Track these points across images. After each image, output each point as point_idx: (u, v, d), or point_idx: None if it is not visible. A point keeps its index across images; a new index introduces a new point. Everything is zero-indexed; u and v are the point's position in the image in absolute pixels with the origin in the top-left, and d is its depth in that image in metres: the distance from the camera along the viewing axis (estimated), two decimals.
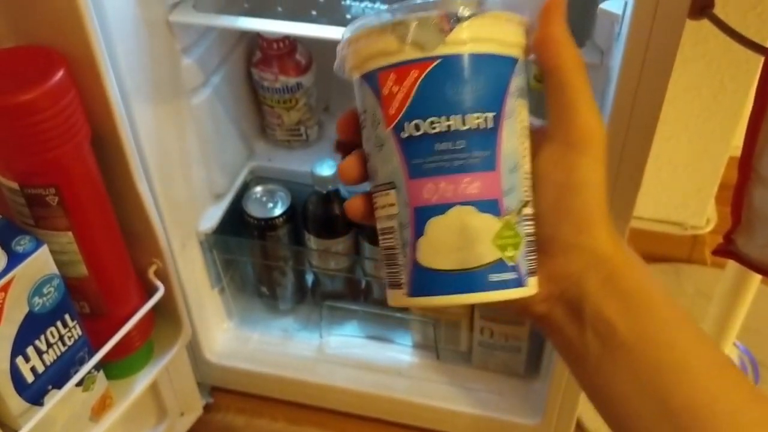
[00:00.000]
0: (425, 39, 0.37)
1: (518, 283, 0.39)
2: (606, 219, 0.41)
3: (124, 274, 0.71)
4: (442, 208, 0.38)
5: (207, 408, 1.07)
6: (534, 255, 0.41)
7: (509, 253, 0.39)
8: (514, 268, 0.39)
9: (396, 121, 0.38)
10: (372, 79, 0.39)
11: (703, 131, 1.14)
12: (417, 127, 0.38)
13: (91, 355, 0.67)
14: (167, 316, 0.79)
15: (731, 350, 1.09)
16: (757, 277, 0.94)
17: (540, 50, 0.40)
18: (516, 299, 0.40)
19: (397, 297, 0.41)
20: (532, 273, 0.40)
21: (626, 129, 0.68)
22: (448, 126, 0.38)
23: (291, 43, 0.97)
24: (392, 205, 0.40)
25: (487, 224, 0.39)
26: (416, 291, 0.40)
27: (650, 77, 0.64)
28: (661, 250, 1.27)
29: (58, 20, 0.58)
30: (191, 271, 0.96)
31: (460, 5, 0.38)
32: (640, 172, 0.70)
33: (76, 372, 0.66)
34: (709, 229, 1.28)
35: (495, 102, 0.39)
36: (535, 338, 0.97)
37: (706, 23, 0.69)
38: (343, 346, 1.08)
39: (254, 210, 0.99)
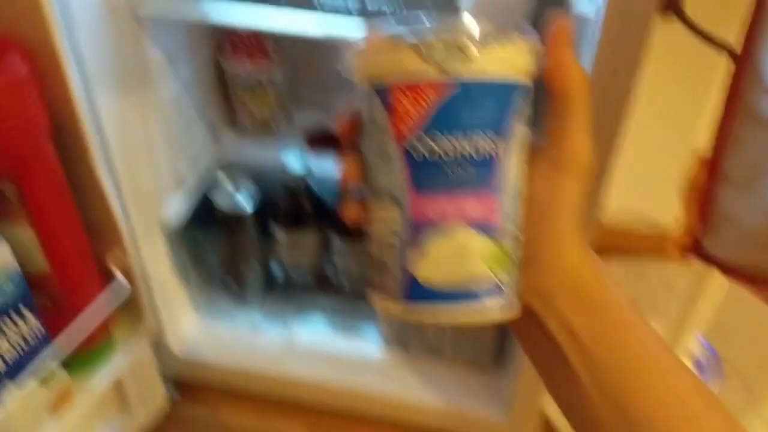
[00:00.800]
0: (446, 60, 0.37)
1: (506, 305, 0.40)
2: (580, 238, 0.42)
3: (85, 268, 0.69)
4: (444, 227, 0.39)
5: (172, 402, 1.06)
6: (517, 276, 0.42)
7: (501, 275, 0.40)
8: (503, 290, 0.40)
9: (407, 138, 0.38)
10: (385, 92, 0.39)
11: (671, 129, 1.15)
12: (427, 146, 0.38)
13: (51, 350, 0.66)
14: (130, 310, 0.78)
15: (696, 346, 1.11)
16: (717, 275, 0.95)
17: (551, 76, 0.41)
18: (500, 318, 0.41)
19: (387, 307, 0.41)
20: (516, 294, 0.42)
21: (595, 127, 0.68)
22: (459, 148, 0.38)
23: (261, 34, 0.96)
24: (393, 219, 0.40)
25: (485, 246, 0.39)
26: (410, 304, 0.40)
27: (620, 77, 0.64)
28: (627, 245, 1.28)
29: (14, 7, 0.56)
30: (156, 263, 0.94)
31: (481, 30, 0.38)
32: (608, 169, 0.71)
33: (35, 367, 0.65)
34: (675, 226, 1.29)
35: (505, 128, 0.39)
36: (501, 331, 0.98)
37: (675, 23, 0.69)
38: (311, 340, 1.07)
39: (222, 202, 0.98)
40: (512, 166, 0.40)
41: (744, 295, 1.22)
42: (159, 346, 1.01)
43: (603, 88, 0.65)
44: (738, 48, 0.58)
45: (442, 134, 0.38)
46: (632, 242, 1.29)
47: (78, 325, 0.66)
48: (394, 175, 0.39)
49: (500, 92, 0.39)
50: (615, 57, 0.63)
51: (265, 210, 1.00)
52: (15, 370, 0.63)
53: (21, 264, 0.62)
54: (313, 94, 1.12)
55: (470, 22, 0.38)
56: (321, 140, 1.07)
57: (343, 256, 1.01)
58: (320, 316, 1.09)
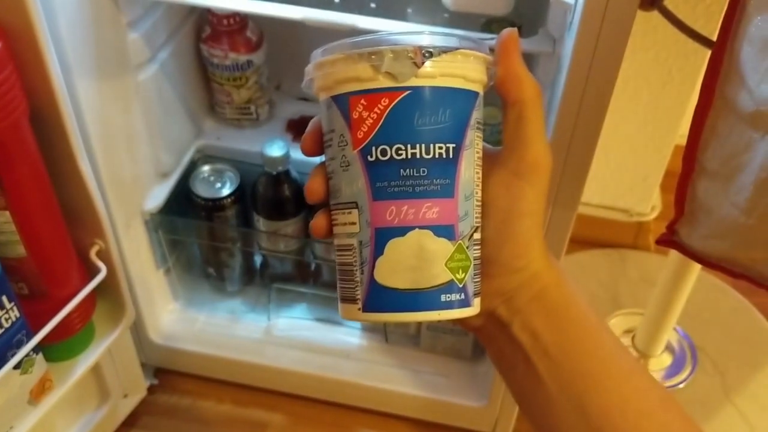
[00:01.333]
0: (398, 70, 0.39)
1: (465, 303, 0.42)
2: (541, 242, 0.45)
3: (64, 254, 0.69)
4: (402, 230, 0.41)
5: (151, 389, 1.06)
6: (479, 277, 0.43)
7: (459, 275, 0.42)
8: (462, 289, 0.42)
9: (364, 144, 0.40)
10: (343, 102, 0.41)
11: (651, 120, 1.16)
12: (383, 152, 0.40)
13: (29, 337, 0.65)
14: (110, 297, 0.77)
15: (671, 335, 1.12)
16: (698, 265, 0.97)
17: (503, 85, 0.43)
18: (461, 318, 0.43)
19: (350, 311, 0.43)
20: (477, 294, 0.43)
21: (576, 117, 0.68)
22: (413, 153, 0.40)
23: (242, 19, 0.95)
24: (354, 223, 0.41)
25: (442, 248, 0.41)
26: (371, 307, 0.42)
27: (600, 67, 0.65)
28: (606, 235, 1.29)
29: None
30: (136, 252, 0.94)
31: (432, 41, 0.40)
32: (588, 159, 0.71)
33: (13, 355, 0.64)
34: (653, 216, 1.31)
35: (457, 134, 0.41)
36: None
37: (655, 14, 0.70)
38: (291, 328, 1.07)
39: (202, 190, 0.98)
40: (467, 170, 0.42)
41: (718, 283, 1.24)
42: (138, 334, 1.00)
43: (583, 77, 0.65)
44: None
45: (398, 140, 0.40)
46: (610, 232, 1.30)
47: (57, 313, 0.66)
48: (353, 181, 0.41)
49: (452, 100, 0.41)
50: (595, 46, 0.63)
51: (246, 198, 1.00)
52: None
53: None
54: (295, 82, 1.11)
55: (427, 35, 0.41)
56: (302, 128, 1.07)
57: (323, 245, 1.01)
58: (300, 305, 1.09)
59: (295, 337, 1.06)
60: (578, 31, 0.63)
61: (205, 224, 0.99)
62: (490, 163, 0.44)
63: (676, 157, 1.21)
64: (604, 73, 0.65)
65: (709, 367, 1.12)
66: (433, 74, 0.40)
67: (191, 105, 1.00)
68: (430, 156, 0.40)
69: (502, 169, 0.44)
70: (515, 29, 0.44)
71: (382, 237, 0.41)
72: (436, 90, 0.40)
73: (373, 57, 0.39)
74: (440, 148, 0.40)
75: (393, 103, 0.40)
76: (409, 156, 0.40)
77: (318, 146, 0.44)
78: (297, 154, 0.96)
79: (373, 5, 0.82)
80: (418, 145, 0.40)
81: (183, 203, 0.98)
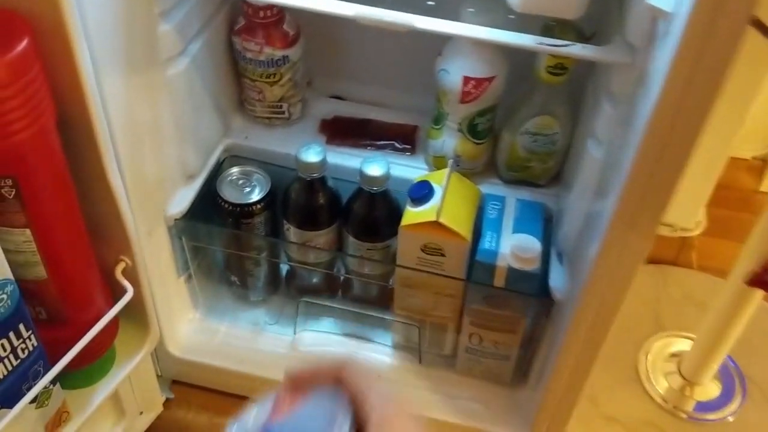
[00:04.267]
0: None
1: None
2: None
3: (87, 275, 0.61)
4: None
5: (167, 404, 0.98)
6: None
7: None
8: None
9: None
10: None
11: (703, 133, 1.09)
12: None
13: (47, 369, 0.58)
14: (133, 318, 0.70)
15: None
16: (760, 294, 0.90)
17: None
18: None
19: None
20: None
21: (664, 139, 0.61)
22: None
23: (279, 11, 0.87)
24: None
25: None
26: None
27: (700, 86, 0.57)
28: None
29: None
30: (157, 259, 0.86)
31: None
32: (674, 185, 0.64)
33: (29, 388, 0.57)
34: (698, 231, 1.24)
35: None
36: (527, 346, 0.91)
37: None
38: (317, 344, 1.00)
39: (229, 194, 0.90)
40: None
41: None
42: (156, 346, 0.93)
43: (677, 96, 0.58)
44: None
45: None
46: (653, 248, 1.23)
47: (79, 340, 0.59)
48: None
49: None
50: (696, 61, 0.56)
51: (276, 204, 0.92)
52: (7, 389, 0.56)
53: (16, 272, 0.54)
54: (328, 79, 1.04)
55: None
56: (336, 128, 0.99)
57: (356, 258, 0.94)
58: (328, 319, 1.02)
59: (321, 354, 0.99)
60: (679, 45, 0.55)
61: (232, 232, 0.92)
62: None
63: (727, 172, 1.14)
64: (703, 93, 0.58)
65: (759, 397, 1.06)
66: None
67: (221, 102, 0.93)
68: None
69: None
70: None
71: None
72: None
73: None
74: None
75: None
76: None
77: None
78: (333, 158, 0.89)
79: (431, 2, 0.74)
80: None
81: (208, 207, 0.91)
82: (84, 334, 0.60)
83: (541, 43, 0.71)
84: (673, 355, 1.09)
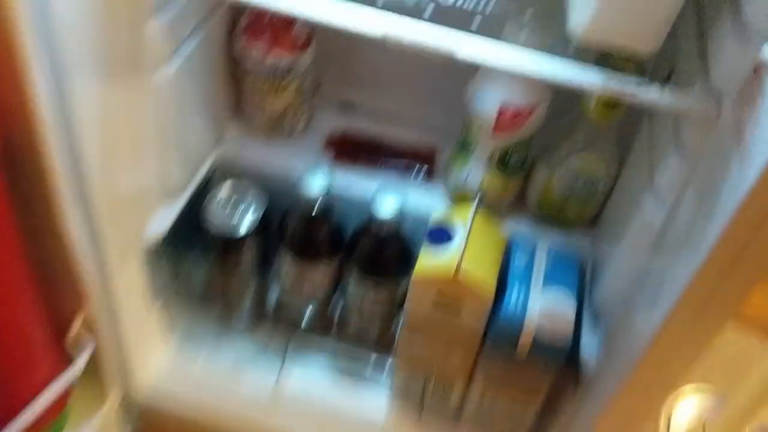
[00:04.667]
0: None
1: None
2: None
3: (33, 336, 0.49)
4: None
5: None
6: None
7: None
8: None
9: None
10: None
11: None
12: None
13: None
14: (90, 374, 0.58)
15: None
16: None
17: None
18: None
19: None
20: None
21: (753, 231, 0.50)
22: None
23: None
24: None
25: None
26: None
27: None
28: None
29: None
30: (128, 287, 0.75)
31: None
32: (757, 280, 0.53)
33: None
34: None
35: None
36: (546, 410, 0.81)
37: None
38: (305, 386, 0.89)
39: (216, 216, 0.78)
40: None
41: None
42: (123, 380, 0.81)
43: None
44: None
45: None
46: None
47: (18, 414, 0.47)
48: None
49: None
50: None
51: (270, 228, 0.80)
52: None
53: None
54: (337, 86, 0.91)
55: None
56: (344, 147, 0.88)
57: (356, 294, 0.83)
58: (319, 359, 0.91)
59: (309, 398, 0.88)
60: None
61: (216, 257, 0.80)
62: None
63: None
64: None
65: None
66: None
67: (213, 109, 0.81)
68: None
69: None
70: None
71: None
72: None
73: None
74: None
75: None
76: None
77: None
78: (340, 180, 0.77)
79: (477, 20, 0.62)
80: None
81: (192, 229, 0.79)
82: (26, 404, 0.48)
83: (621, 87, 0.59)
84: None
